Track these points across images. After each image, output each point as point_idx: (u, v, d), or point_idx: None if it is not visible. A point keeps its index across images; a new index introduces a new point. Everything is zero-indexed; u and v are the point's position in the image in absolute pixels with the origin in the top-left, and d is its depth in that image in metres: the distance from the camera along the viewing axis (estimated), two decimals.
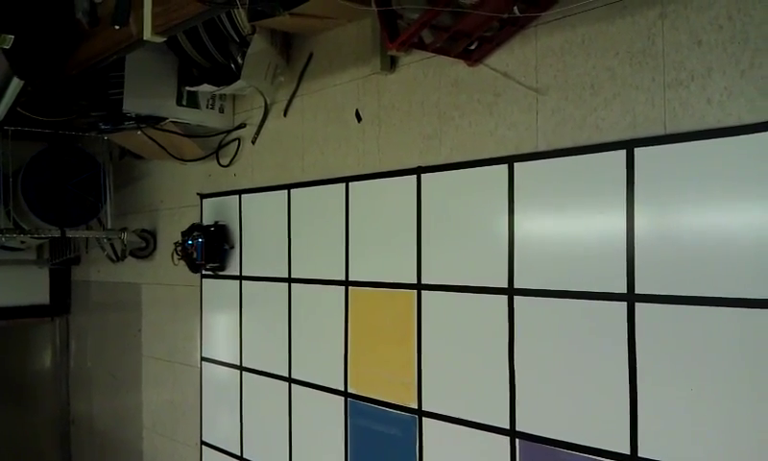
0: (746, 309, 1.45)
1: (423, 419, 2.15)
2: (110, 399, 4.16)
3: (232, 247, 2.99)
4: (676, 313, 1.56)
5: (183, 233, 3.02)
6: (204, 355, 3.22)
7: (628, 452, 1.65)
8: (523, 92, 1.89)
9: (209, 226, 3.02)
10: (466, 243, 2.04)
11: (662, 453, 1.59)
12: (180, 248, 3.01)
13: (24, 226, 3.48)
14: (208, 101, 2.93)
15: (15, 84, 2.42)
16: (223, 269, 3.03)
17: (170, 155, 3.15)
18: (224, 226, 3.03)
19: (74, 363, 4.68)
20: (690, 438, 1.54)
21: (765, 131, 1.43)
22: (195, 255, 2.95)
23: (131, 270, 3.83)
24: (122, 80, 2.71)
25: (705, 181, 1.52)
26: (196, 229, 3.00)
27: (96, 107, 2.99)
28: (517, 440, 1.88)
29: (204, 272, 3.09)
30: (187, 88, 2.77)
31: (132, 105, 2.75)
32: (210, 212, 3.16)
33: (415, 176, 2.20)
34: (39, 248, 4.47)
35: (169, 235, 3.50)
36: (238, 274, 2.97)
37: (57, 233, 3.44)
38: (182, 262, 3.03)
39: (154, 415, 3.68)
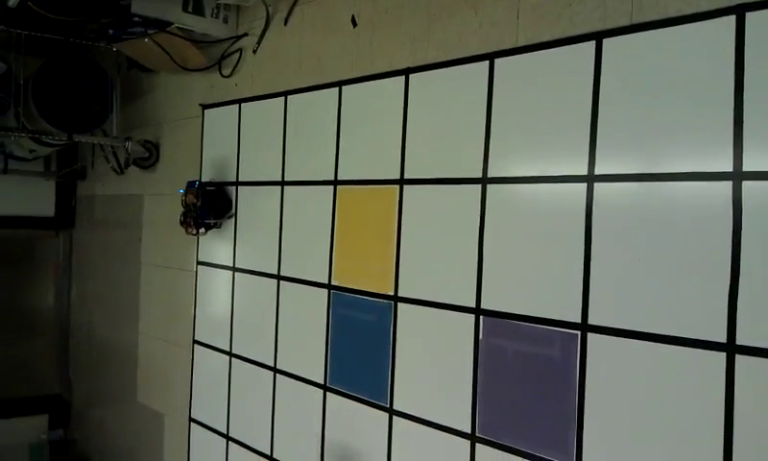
0: (698, 183, 1.57)
1: (399, 304, 2.30)
2: (110, 309, 4.33)
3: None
4: (631, 190, 1.69)
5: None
6: (199, 259, 3.37)
7: (579, 321, 1.79)
8: None
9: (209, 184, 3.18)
10: (445, 137, 2.16)
11: (610, 320, 1.72)
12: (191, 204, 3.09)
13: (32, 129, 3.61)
14: (213, 9, 3.04)
15: None
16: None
17: (175, 63, 3.27)
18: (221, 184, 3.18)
19: (76, 276, 4.84)
20: (636, 305, 1.68)
21: (717, 17, 1.55)
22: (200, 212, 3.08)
23: (134, 182, 3.98)
24: None
25: (665, 68, 1.64)
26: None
27: (106, 13, 3.12)
28: (482, 316, 2.03)
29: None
30: None
31: (140, 6, 2.87)
32: (211, 125, 3.28)
33: (403, 76, 2.32)
34: (47, 160, 4.61)
35: (172, 146, 3.64)
36: (235, 180, 3.11)
37: (64, 138, 3.57)
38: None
39: (150, 319, 3.85)
